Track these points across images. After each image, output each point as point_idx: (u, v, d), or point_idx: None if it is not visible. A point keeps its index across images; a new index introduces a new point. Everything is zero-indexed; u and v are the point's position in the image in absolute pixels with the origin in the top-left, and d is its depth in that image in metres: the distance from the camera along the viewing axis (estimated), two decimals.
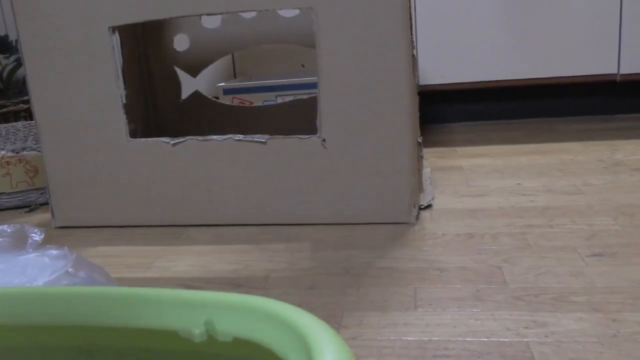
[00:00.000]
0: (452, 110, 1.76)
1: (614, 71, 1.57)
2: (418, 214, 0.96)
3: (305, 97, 1.36)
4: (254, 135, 0.94)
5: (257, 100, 1.48)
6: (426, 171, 1.20)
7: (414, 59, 0.95)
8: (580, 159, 1.25)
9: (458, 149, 1.43)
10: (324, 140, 0.92)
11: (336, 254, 0.83)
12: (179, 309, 0.33)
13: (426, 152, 1.40)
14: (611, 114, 1.74)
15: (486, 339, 0.59)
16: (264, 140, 0.94)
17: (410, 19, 0.97)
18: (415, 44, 1.60)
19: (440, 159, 1.34)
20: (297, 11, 1.28)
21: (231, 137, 0.95)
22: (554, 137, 1.48)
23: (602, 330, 0.59)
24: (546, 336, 0.59)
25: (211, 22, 1.34)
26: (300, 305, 0.69)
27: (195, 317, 0.32)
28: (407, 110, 0.89)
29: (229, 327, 0.32)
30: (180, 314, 0.33)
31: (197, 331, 0.32)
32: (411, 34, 0.96)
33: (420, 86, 1.66)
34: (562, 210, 0.94)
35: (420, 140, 0.98)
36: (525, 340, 0.58)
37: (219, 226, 0.98)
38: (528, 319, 0.62)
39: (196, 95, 1.35)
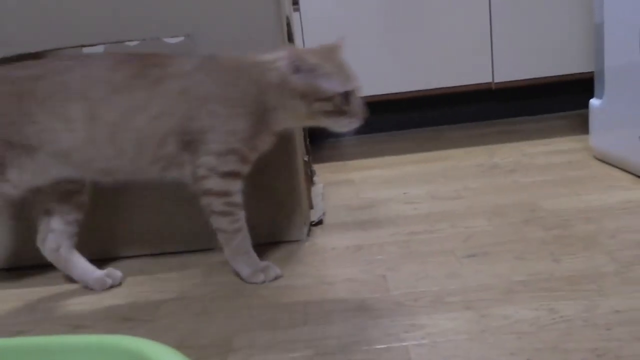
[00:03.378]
0: None
1: (489, 80, 1.69)
2: (309, 230, 0.99)
3: None
4: None
5: None
6: (318, 187, 1.24)
7: None
8: (462, 164, 1.34)
9: (350, 162, 1.48)
10: None
11: (228, 278, 0.84)
12: (34, 356, 0.33)
13: (319, 167, 1.44)
14: (490, 120, 1.86)
15: (367, 347, 0.62)
16: None
17: (289, 40, 1.00)
18: None
19: (333, 174, 1.38)
20: (182, 37, 1.28)
21: None
22: (439, 145, 1.57)
23: (472, 327, 0.64)
24: (423, 338, 0.63)
25: (94, 49, 1.31)
26: (191, 332, 0.69)
27: None
28: (292, 131, 0.92)
29: None
30: None
31: None
32: None
33: None
34: (442, 215, 1.00)
35: (306, 159, 1.01)
36: (405, 344, 0.62)
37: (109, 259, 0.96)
38: (407, 324, 0.66)
39: None
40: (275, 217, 0.94)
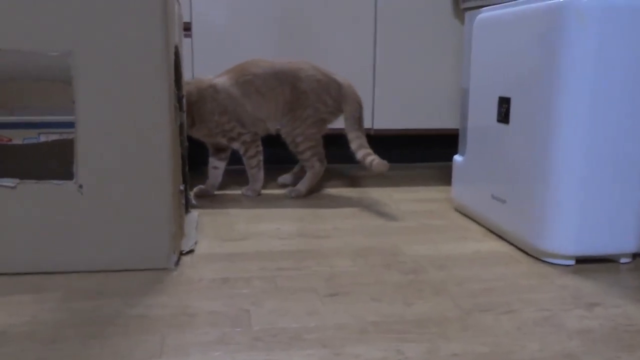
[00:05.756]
0: None
1: (370, 126, 1.78)
2: (179, 259, 0.98)
3: (71, 137, 1.31)
4: (2, 180, 0.89)
5: (18, 137, 1.38)
6: (193, 215, 1.23)
7: (176, 109, 0.99)
8: (334, 204, 1.39)
9: (228, 193, 1.49)
10: (80, 186, 0.90)
11: (85, 304, 0.81)
12: None
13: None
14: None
15: None
16: (12, 185, 0.88)
17: (176, 67, 1.00)
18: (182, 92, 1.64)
19: (209, 202, 1.38)
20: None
21: None
22: (318, 182, 1.62)
23: None
24: None
25: None
26: None
27: None
28: (166, 157, 0.91)
29: None
30: None
31: None
32: (176, 83, 1.00)
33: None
34: (310, 253, 1.04)
35: (182, 188, 1.01)
36: None
37: None
38: (264, 359, 0.68)
39: None
40: (143, 244, 0.93)
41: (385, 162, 1.35)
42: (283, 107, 1.43)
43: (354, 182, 1.66)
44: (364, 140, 1.44)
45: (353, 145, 1.44)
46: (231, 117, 1.40)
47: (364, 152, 1.40)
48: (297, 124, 1.44)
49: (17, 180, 0.89)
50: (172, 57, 0.97)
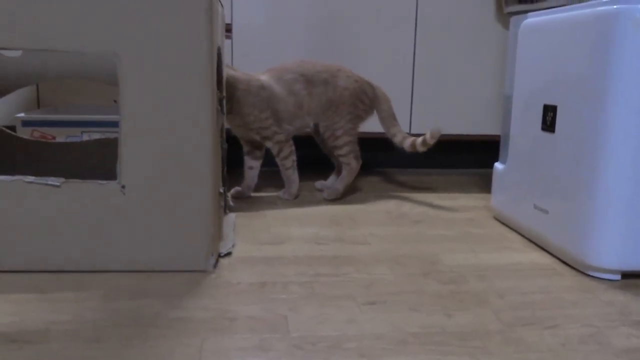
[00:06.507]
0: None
1: (407, 130, 1.76)
2: (216, 262, 0.98)
3: (113, 136, 1.33)
4: (48, 178, 0.90)
5: (61, 135, 1.41)
6: (230, 217, 1.23)
7: (217, 111, 0.99)
8: (371, 209, 1.38)
9: (264, 195, 1.49)
10: (123, 186, 0.91)
11: (127, 304, 0.82)
12: None
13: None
14: (403, 168, 1.94)
15: None
16: (57, 184, 0.90)
17: (217, 72, 1.01)
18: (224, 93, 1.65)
19: (245, 203, 1.39)
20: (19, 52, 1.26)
21: (21, 179, 0.90)
22: (352, 187, 1.61)
23: None
24: None
25: (11, 51, 1.26)
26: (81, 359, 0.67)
27: None
28: (207, 160, 0.92)
29: None
30: None
31: None
32: (217, 86, 1.00)
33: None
34: (348, 259, 1.03)
35: (222, 190, 1.01)
36: None
37: (0, 272, 0.91)
38: None
39: None
40: (183, 245, 0.93)
41: (437, 128, 1.44)
42: (324, 104, 1.45)
43: (391, 187, 1.65)
44: (404, 133, 1.53)
45: (397, 139, 1.52)
46: (270, 115, 1.41)
47: (411, 139, 1.49)
48: (337, 119, 1.47)
49: (62, 179, 0.90)
50: (215, 58, 0.97)
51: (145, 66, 0.89)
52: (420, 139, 1.46)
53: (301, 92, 1.44)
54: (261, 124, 1.40)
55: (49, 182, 0.90)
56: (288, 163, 1.45)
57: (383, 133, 1.57)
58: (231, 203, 1.36)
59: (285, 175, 1.46)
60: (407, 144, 1.49)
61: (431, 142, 1.45)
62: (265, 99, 1.40)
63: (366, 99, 1.51)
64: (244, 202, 1.41)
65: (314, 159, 1.86)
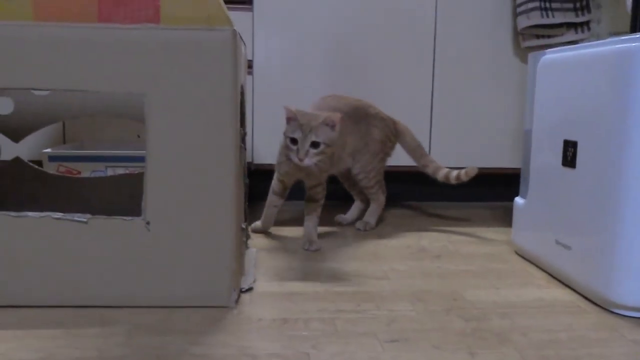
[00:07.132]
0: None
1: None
2: (238, 297, 0.99)
3: (137, 171, 1.35)
4: (74, 215, 0.92)
5: (86, 170, 1.44)
6: (251, 251, 1.24)
7: (240, 148, 1.01)
8: (391, 244, 1.38)
9: (285, 228, 1.50)
10: (148, 222, 0.93)
11: (150, 340, 0.82)
12: None
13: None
14: (420, 201, 1.94)
15: None
16: (84, 220, 0.92)
17: (240, 107, 1.03)
18: (252, 125, 1.68)
19: (266, 239, 1.40)
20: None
21: (49, 215, 0.92)
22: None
23: None
24: None
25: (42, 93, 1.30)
26: None
27: None
28: (230, 196, 0.93)
29: None
30: None
31: None
32: (240, 122, 1.02)
33: (256, 164, 1.73)
34: (369, 295, 1.03)
35: (244, 226, 1.02)
36: None
37: (27, 308, 0.92)
38: None
39: (17, 162, 1.28)
40: (205, 281, 0.94)
41: (473, 167, 1.46)
42: (359, 142, 1.46)
43: (409, 220, 1.65)
44: (437, 163, 1.54)
45: (430, 169, 1.54)
46: (328, 158, 1.30)
47: (445, 170, 1.51)
48: (370, 159, 1.49)
49: (88, 216, 0.92)
50: (239, 97, 1.00)
51: (172, 104, 0.91)
52: (455, 173, 1.48)
53: (347, 131, 1.40)
54: (320, 167, 1.29)
55: (76, 219, 0.92)
56: (319, 211, 1.38)
57: (400, 166, 1.58)
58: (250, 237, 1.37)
59: (314, 221, 1.36)
60: (441, 174, 1.51)
61: (465, 179, 1.46)
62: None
63: (392, 135, 1.53)
64: (264, 237, 1.42)
65: (330, 192, 1.87)
